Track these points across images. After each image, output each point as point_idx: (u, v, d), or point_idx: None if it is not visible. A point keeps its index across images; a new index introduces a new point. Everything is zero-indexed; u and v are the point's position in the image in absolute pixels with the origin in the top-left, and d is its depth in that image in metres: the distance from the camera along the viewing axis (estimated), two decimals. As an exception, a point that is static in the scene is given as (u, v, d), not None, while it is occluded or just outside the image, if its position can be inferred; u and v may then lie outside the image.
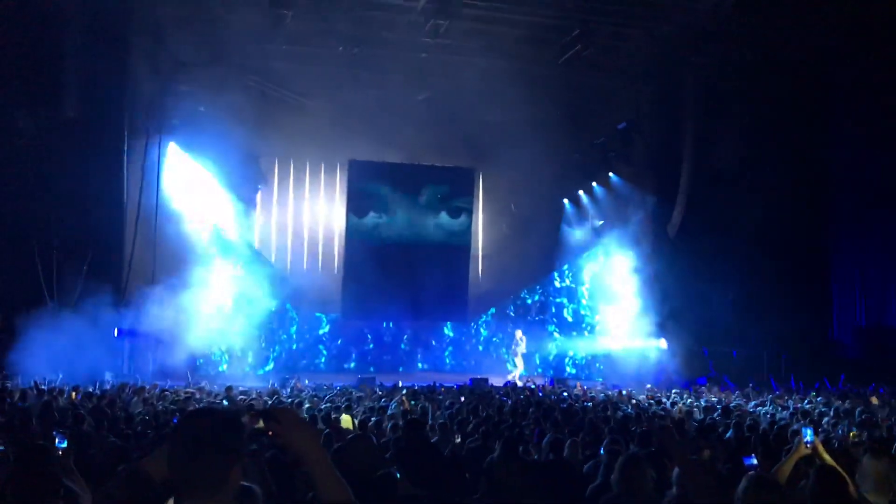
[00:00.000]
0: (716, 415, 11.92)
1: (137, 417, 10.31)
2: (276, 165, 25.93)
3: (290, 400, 13.91)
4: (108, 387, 15.61)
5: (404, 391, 15.68)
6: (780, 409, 13.58)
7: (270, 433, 2.29)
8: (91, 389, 14.35)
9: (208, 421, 2.19)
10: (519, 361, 24.37)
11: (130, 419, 10.04)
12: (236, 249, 23.72)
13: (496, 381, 20.84)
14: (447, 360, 27.76)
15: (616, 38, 21.06)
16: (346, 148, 24.88)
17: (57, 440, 4.85)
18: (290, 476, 4.38)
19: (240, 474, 2.19)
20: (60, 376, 15.41)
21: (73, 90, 17.75)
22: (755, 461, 4.84)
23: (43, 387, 13.79)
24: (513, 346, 25.08)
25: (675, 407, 13.43)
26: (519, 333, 25.01)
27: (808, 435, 4.98)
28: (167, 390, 15.02)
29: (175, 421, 8.81)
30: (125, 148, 18.84)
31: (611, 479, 4.74)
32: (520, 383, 21.51)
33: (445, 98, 22.79)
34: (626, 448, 6.48)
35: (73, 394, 13.10)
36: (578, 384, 20.49)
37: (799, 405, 13.92)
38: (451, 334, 28.12)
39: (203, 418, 2.20)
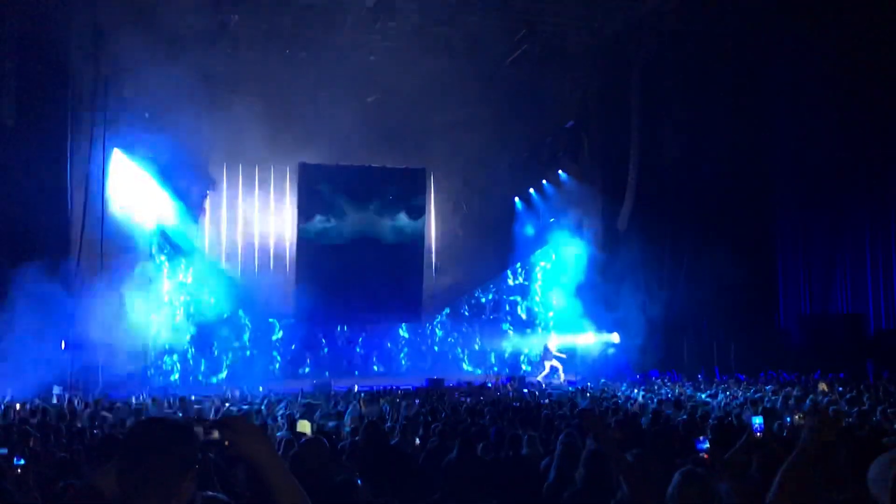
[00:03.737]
0: (668, 407, 12.10)
1: (87, 432, 10.08)
2: (225, 170, 25.54)
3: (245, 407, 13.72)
4: (54, 401, 15.24)
5: (361, 395, 15.62)
6: (730, 397, 13.87)
7: (226, 443, 2.26)
8: (38, 404, 13.99)
9: (158, 430, 2.15)
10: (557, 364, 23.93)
11: (80, 433, 9.81)
12: (186, 256, 23.35)
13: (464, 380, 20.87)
14: (403, 362, 27.69)
15: (561, 37, 21.27)
16: (296, 151, 24.65)
17: (15, 458, 4.79)
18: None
19: (192, 485, 2.15)
20: (9, 392, 14.98)
21: (12, 96, 17.29)
22: (707, 444, 4.93)
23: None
24: (546, 353, 24.39)
25: (630, 402, 13.62)
26: (554, 338, 24.65)
27: (758, 423, 5.11)
28: (117, 402, 14.72)
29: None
30: (68, 155, 18.39)
31: (575, 474, 4.78)
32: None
33: (395, 99, 22.77)
34: (581, 443, 6.54)
35: (18, 407, 12.85)
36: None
37: (748, 394, 14.22)
38: (407, 336, 28.07)
39: (153, 427, 2.16)
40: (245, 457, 2.28)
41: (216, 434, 2.24)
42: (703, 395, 14.75)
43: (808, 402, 11.77)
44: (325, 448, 4.68)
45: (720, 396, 14.15)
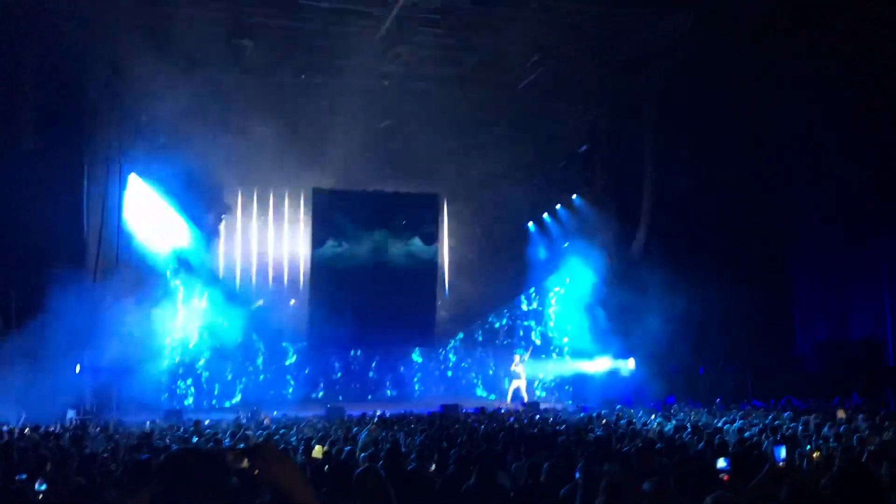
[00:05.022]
0: (685, 434, 11.99)
1: (101, 455, 10.05)
2: (240, 195, 25.73)
3: (258, 433, 13.69)
4: (68, 425, 15.26)
5: (374, 420, 15.55)
6: (748, 424, 13.70)
7: (255, 472, 2.23)
8: (53, 428, 14.03)
9: (193, 461, 2.15)
10: (518, 383, 24.69)
11: (94, 457, 9.79)
12: (201, 279, 23.43)
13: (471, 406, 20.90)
14: (416, 387, 27.60)
15: (573, 62, 21.33)
16: (310, 176, 24.82)
17: (37, 484, 4.79)
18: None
19: None
20: (23, 415, 15.03)
21: (31, 122, 17.48)
22: (727, 465, 4.87)
23: (3, 428, 13.43)
24: (512, 367, 25.57)
25: (648, 428, 13.49)
26: (517, 358, 25.31)
27: (781, 453, 5.04)
28: (131, 426, 14.73)
29: (143, 458, 8.64)
30: (85, 180, 18.56)
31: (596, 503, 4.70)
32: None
33: (408, 124, 22.90)
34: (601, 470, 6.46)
35: (27, 430, 12.87)
36: None
37: (766, 421, 14.05)
38: (420, 360, 27.99)
39: (187, 459, 2.16)
40: (274, 485, 2.26)
41: (245, 462, 2.22)
42: (720, 422, 14.58)
43: (826, 429, 11.62)
44: (381, 477, 4.65)
45: (737, 423, 13.98)
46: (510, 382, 25.41)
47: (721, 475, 4.62)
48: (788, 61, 19.16)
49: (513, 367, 25.47)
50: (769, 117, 21.66)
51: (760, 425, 13.30)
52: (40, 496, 4.66)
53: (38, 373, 15.66)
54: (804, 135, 22.22)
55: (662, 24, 19.44)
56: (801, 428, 11.94)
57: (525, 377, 25.15)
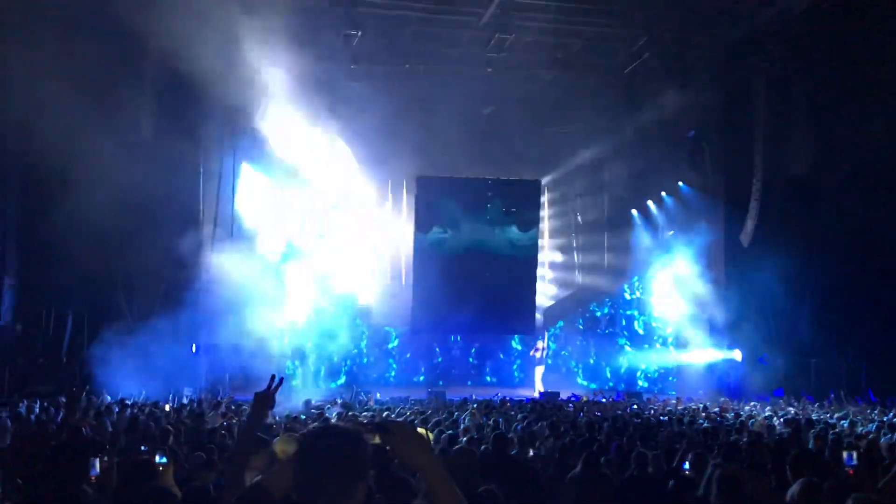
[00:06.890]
0: (795, 428, 11.59)
1: (217, 432, 10.49)
2: (345, 183, 26.25)
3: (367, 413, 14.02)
4: (185, 401, 16.03)
5: (475, 405, 15.67)
6: (863, 420, 13.15)
7: (387, 448, 2.30)
8: (172, 404, 14.78)
9: (334, 440, 2.24)
10: (537, 371, 24.47)
11: (213, 433, 10.23)
12: (309, 265, 24.06)
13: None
14: (515, 374, 27.63)
15: (682, 45, 20.79)
16: (413, 163, 25.10)
17: (157, 456, 5.04)
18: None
19: (364, 491, 2.23)
20: (144, 392, 15.87)
21: (151, 113, 18.33)
22: (854, 461, 4.73)
23: (128, 402, 14.24)
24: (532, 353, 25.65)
25: (753, 421, 13.11)
26: (539, 344, 25.07)
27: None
28: (243, 404, 15.32)
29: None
30: (201, 168, 19.36)
31: (712, 497, 4.63)
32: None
33: (511, 111, 22.83)
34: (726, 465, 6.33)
35: (167, 406, 13.55)
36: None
37: (885, 418, 13.43)
38: (519, 347, 27.99)
39: (328, 438, 2.25)
40: (407, 463, 2.32)
41: (377, 439, 2.29)
42: (832, 417, 14.04)
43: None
44: (476, 458, 4.75)
45: (849, 419, 13.43)
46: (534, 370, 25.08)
47: (846, 469, 4.48)
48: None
49: (532, 353, 25.08)
50: (887, 96, 20.50)
51: (878, 422, 12.73)
52: (160, 468, 4.91)
53: (156, 351, 16.47)
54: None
55: (774, 4, 18.70)
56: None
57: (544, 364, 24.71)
